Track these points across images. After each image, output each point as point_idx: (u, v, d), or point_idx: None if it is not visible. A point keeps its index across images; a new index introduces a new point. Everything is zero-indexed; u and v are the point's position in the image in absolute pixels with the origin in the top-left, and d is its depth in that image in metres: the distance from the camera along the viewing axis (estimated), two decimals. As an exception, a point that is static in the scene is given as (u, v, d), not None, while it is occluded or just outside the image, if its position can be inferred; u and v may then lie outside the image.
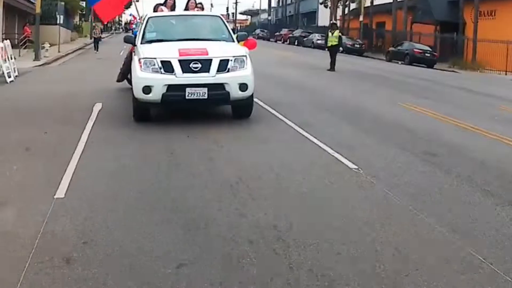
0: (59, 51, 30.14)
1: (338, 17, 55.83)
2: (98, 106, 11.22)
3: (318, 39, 46.41)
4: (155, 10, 12.50)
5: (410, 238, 4.77)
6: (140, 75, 9.17)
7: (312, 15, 70.32)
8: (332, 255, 4.32)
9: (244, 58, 9.56)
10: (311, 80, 19.20)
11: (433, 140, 9.29)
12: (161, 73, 9.05)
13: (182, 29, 10.85)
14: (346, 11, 55.18)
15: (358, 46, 43.04)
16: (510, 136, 9.88)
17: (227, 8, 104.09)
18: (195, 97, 9.02)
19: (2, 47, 16.32)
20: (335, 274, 3.97)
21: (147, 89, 8.99)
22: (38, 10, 24.97)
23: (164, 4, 12.57)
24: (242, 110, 9.98)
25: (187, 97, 9.00)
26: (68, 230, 4.73)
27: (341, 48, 26.95)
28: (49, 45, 26.77)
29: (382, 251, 4.43)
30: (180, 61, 9.06)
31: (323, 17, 63.22)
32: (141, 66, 9.20)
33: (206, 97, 9.04)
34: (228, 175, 6.43)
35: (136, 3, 14.67)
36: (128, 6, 29.63)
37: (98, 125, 9.51)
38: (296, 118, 10.40)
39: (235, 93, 9.24)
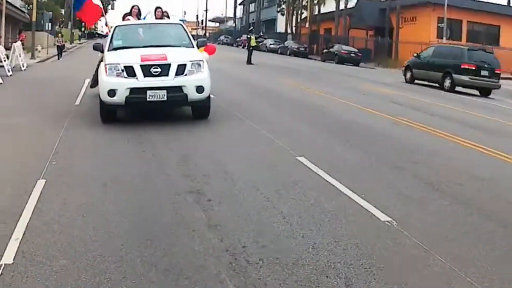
0: (47, 53, 36.22)
1: (293, 24, 62.99)
2: (87, 80, 15.64)
3: (271, 44, 53.37)
4: (123, 19, 13.33)
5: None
6: (106, 80, 9.84)
7: (272, 22, 77.06)
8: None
9: (201, 62, 10.27)
10: (236, 70, 26.04)
11: (291, 99, 15.89)
12: (125, 77, 9.71)
13: (146, 37, 11.60)
14: (299, 19, 62.11)
15: (302, 49, 50.05)
16: (348, 98, 16.23)
17: (197, 16, 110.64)
18: (155, 99, 9.65)
19: (18, 46, 22.53)
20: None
21: (112, 92, 9.64)
22: (34, 18, 31.09)
23: (130, 13, 13.37)
24: (200, 110, 10.67)
25: (148, 99, 9.65)
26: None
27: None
28: (41, 48, 32.88)
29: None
30: (141, 66, 9.69)
31: (281, 24, 70.53)
32: (106, 71, 9.87)
33: (165, 99, 9.69)
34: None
35: (105, 15, 17.75)
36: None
37: (88, 89, 14.38)
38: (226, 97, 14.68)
39: (192, 95, 9.88)
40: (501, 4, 47.31)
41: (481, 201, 6.38)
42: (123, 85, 9.64)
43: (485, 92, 22.31)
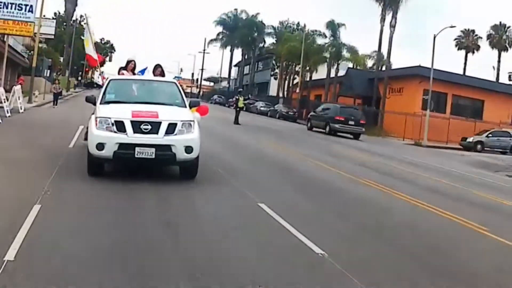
0: (43, 99, 37.21)
1: (285, 88, 64.92)
2: (81, 126, 16.71)
3: (261, 107, 54.99)
4: (118, 73, 13.28)
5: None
6: (95, 133, 9.76)
7: (265, 85, 79.21)
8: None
9: (192, 123, 10.25)
10: (222, 128, 27.13)
11: (275, 160, 16.87)
12: (114, 131, 9.65)
13: (139, 93, 11.59)
14: (291, 84, 64.03)
15: (291, 113, 51.85)
16: (320, 159, 17.40)
17: (192, 74, 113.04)
18: (143, 156, 9.59)
19: (18, 89, 23.53)
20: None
21: (100, 146, 9.57)
22: (34, 64, 32.25)
23: (125, 67, 13.28)
24: (188, 170, 10.52)
25: (136, 156, 9.57)
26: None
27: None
28: (38, 93, 33.90)
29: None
30: (132, 121, 9.65)
31: (274, 88, 72.58)
32: (97, 124, 9.82)
33: (153, 156, 9.64)
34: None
35: (100, 66, 17.49)
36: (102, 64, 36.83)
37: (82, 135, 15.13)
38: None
39: (181, 154, 9.84)
40: (486, 80, 49.22)
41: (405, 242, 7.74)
42: (112, 140, 9.56)
43: (355, 136, 34.32)
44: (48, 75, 39.49)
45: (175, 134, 9.84)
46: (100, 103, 10.76)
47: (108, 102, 10.75)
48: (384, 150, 26.88)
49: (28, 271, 5.02)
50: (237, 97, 34.21)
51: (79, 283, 4.91)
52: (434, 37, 39.13)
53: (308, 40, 56.90)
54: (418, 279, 6.08)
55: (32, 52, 38.76)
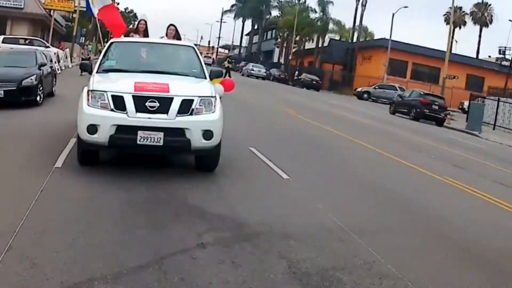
0: (79, 60, 47.55)
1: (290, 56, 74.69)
2: None
3: (259, 70, 64.71)
4: (126, 36, 11.04)
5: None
6: (86, 111, 7.56)
7: (270, 53, 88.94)
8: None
9: (213, 99, 7.89)
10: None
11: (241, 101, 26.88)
12: (111, 110, 7.44)
13: (147, 59, 9.46)
14: (290, 52, 73.66)
15: (283, 76, 61.83)
16: (280, 103, 27.13)
17: (209, 42, 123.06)
18: (148, 142, 7.39)
19: (63, 52, 33.74)
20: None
21: (92, 128, 7.40)
22: (74, 32, 42.41)
23: (136, 30, 10.98)
24: (206, 162, 8.32)
25: (138, 142, 7.38)
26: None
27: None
28: (76, 55, 44.19)
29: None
30: (134, 97, 7.44)
31: (277, 56, 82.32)
32: (89, 99, 7.59)
33: (161, 143, 7.43)
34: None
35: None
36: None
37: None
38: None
39: (198, 141, 7.60)
40: (441, 50, 58.01)
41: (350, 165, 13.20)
42: (107, 120, 7.41)
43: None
44: (82, 41, 49.48)
45: (191, 114, 7.65)
46: (97, 72, 8.62)
47: (107, 71, 8.67)
48: (339, 102, 36.54)
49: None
50: (227, 61, 44.62)
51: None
52: (393, 15, 48.61)
53: (304, 14, 66.21)
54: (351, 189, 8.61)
55: (70, 23, 48.78)
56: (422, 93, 32.26)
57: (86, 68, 9.39)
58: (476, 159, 15.85)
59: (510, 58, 45.99)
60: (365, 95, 46.61)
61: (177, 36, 10.57)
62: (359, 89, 47.78)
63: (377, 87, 47.42)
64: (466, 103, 45.01)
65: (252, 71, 60.84)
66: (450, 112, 34.77)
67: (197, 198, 6.97)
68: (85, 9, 18.68)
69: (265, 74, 63.49)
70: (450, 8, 74.32)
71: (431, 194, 9.39)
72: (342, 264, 5.21)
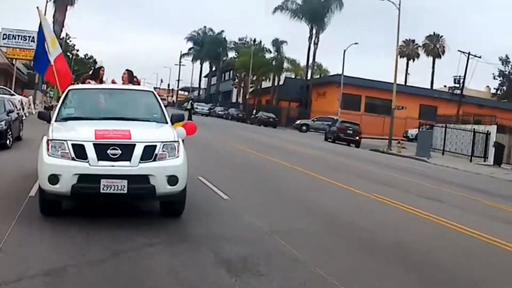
0: (42, 107, 48.47)
1: (247, 96, 76.82)
2: None
3: (219, 111, 66.95)
4: (83, 83, 10.77)
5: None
6: (47, 161, 7.38)
7: (228, 94, 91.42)
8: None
9: (176, 144, 7.81)
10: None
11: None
12: (72, 159, 7.27)
13: (107, 106, 9.27)
14: (247, 92, 75.95)
15: (241, 115, 63.90)
16: (237, 140, 28.76)
17: (168, 84, 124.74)
18: (112, 190, 7.22)
19: (26, 100, 34.79)
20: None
21: (53, 179, 7.21)
22: (36, 80, 43.44)
23: (93, 77, 10.87)
24: (171, 207, 8.20)
25: (102, 191, 7.20)
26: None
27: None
28: (38, 102, 45.15)
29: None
30: (95, 145, 7.30)
31: (235, 96, 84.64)
32: (49, 149, 7.43)
33: (125, 191, 7.26)
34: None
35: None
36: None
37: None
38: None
39: (162, 187, 7.46)
40: (391, 83, 60.99)
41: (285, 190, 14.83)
42: (69, 170, 7.19)
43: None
44: (44, 88, 50.48)
45: (154, 160, 7.50)
46: (56, 121, 8.46)
47: (66, 119, 8.53)
48: (287, 136, 38.88)
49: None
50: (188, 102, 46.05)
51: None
52: (344, 52, 51.23)
53: (259, 54, 68.72)
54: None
55: (32, 71, 49.67)
56: (341, 121, 40.23)
57: (44, 117, 8.89)
58: (410, 180, 17.64)
59: (459, 87, 48.59)
60: (304, 127, 50.68)
61: (131, 80, 10.57)
62: (298, 122, 51.84)
63: (315, 120, 51.64)
64: (410, 132, 48.06)
65: (196, 109, 62.02)
66: (400, 140, 37.02)
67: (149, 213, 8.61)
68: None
69: (208, 111, 66.56)
70: (403, 41, 79.85)
71: (340, 201, 11.71)
72: (263, 255, 6.67)
